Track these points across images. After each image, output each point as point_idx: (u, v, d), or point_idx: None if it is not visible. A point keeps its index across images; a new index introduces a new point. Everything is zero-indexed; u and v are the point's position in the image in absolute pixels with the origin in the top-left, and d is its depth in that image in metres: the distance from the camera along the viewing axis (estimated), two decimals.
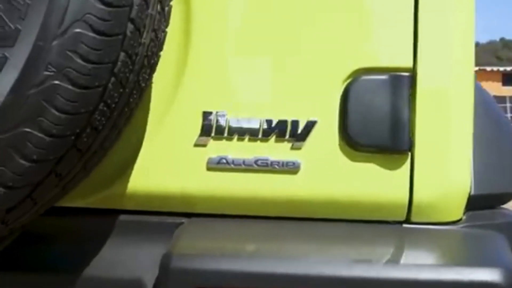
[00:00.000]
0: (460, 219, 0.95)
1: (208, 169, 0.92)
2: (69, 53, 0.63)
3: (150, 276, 0.87)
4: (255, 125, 0.90)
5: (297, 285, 0.76)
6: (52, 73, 0.63)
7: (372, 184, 0.90)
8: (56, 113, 0.65)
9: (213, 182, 0.92)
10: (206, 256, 0.81)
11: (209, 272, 0.77)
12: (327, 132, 0.90)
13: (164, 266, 0.79)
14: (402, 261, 0.83)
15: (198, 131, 0.92)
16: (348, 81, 0.89)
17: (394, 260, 0.84)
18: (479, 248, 0.87)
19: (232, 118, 0.91)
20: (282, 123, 0.90)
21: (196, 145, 0.92)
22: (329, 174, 0.90)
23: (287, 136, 0.90)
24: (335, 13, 0.90)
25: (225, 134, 0.91)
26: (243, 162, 0.91)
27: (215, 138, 0.91)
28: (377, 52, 0.89)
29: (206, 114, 0.91)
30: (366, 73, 0.89)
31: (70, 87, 0.65)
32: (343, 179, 0.90)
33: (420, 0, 0.88)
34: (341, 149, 0.90)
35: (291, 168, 0.90)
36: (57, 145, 0.68)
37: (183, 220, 0.95)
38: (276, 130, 0.90)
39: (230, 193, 0.93)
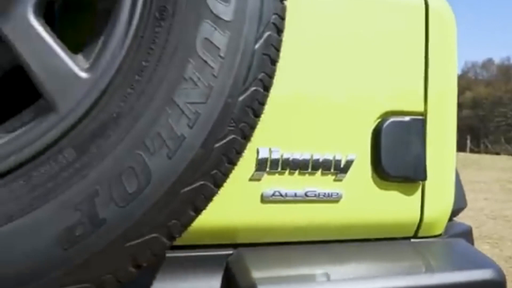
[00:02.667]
0: (442, 232, 1.18)
1: (263, 201, 0.98)
2: (247, 109, 0.66)
3: None
4: (305, 160, 1.00)
5: None
6: (233, 128, 0.65)
7: (396, 207, 1.07)
8: (228, 165, 0.67)
9: (267, 214, 0.99)
10: (294, 283, 0.88)
11: None
12: (364, 165, 1.04)
13: None
14: (443, 268, 1.02)
15: (253, 166, 0.97)
16: (379, 121, 1.05)
17: (438, 268, 1.03)
18: (472, 254, 1.11)
19: (285, 153, 0.99)
20: (328, 158, 1.01)
21: (251, 179, 0.97)
22: (364, 201, 1.05)
23: (331, 170, 1.02)
24: (373, 65, 1.05)
25: (279, 169, 0.99)
26: (295, 194, 1.00)
27: (269, 173, 0.98)
28: (400, 98, 1.07)
29: (260, 151, 0.97)
30: (392, 115, 1.05)
31: (242, 140, 0.67)
32: (375, 204, 1.06)
33: (429, 62, 1.08)
34: (374, 179, 1.05)
35: (334, 198, 1.02)
36: (214, 196, 0.69)
37: (231, 251, 0.99)
38: (323, 164, 1.01)
39: (282, 223, 1.00)
